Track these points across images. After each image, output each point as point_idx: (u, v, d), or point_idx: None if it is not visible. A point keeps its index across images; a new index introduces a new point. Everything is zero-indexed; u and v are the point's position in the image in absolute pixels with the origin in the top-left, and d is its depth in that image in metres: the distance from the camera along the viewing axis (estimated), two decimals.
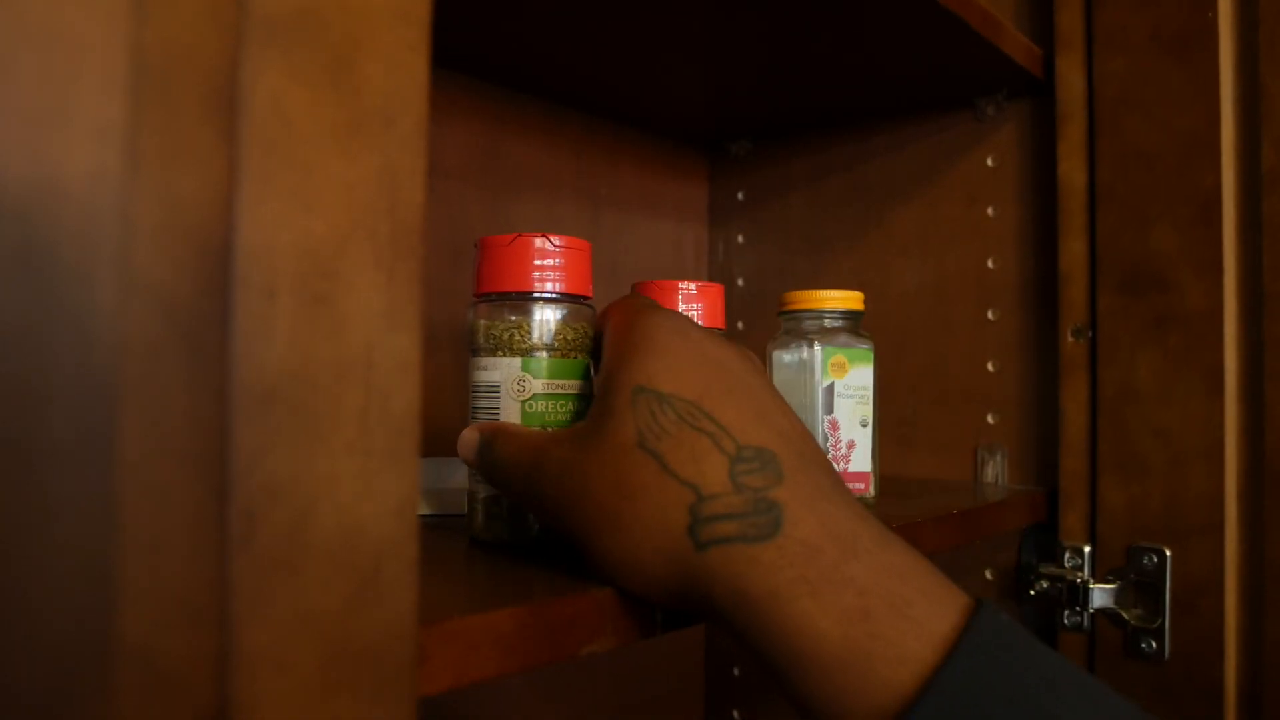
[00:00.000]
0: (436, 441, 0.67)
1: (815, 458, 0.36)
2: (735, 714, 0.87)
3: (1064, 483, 0.69)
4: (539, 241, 0.42)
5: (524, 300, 0.42)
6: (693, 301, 0.55)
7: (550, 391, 0.41)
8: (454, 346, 0.70)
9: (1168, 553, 0.64)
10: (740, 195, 0.90)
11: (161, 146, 0.20)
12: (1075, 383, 0.68)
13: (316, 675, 0.22)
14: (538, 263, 0.42)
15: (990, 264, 0.75)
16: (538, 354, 0.41)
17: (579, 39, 0.64)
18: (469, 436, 0.41)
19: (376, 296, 0.24)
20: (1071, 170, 0.69)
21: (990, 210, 0.75)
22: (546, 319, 0.41)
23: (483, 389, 0.42)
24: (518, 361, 0.41)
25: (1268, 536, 0.61)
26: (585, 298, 0.43)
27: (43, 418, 0.19)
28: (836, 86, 0.74)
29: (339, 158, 0.23)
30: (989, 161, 0.76)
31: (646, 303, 0.40)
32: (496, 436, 0.40)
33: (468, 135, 0.70)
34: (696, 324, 0.39)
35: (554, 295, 0.42)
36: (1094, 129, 0.68)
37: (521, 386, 0.41)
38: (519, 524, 0.42)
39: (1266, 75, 0.62)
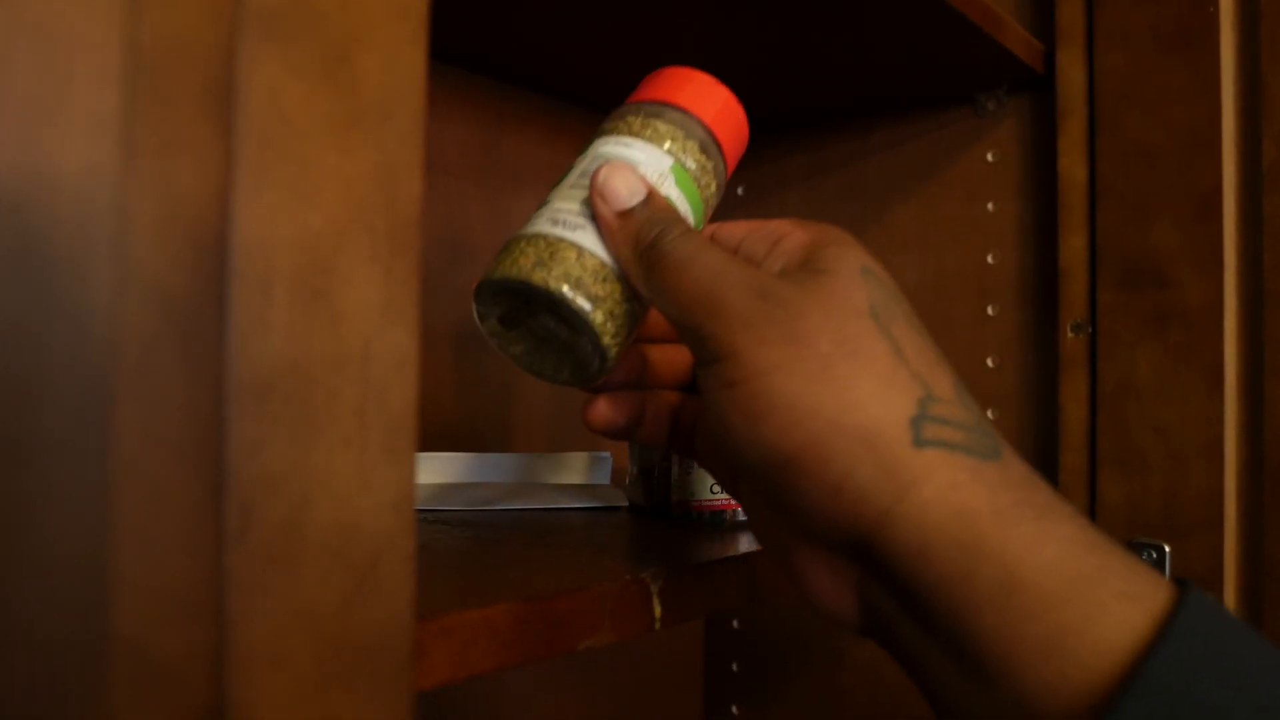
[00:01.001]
0: (436, 439, 0.67)
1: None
2: (734, 709, 0.87)
3: (1063, 479, 0.69)
4: (717, 86, 0.39)
5: (692, 121, 0.38)
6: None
7: (677, 205, 0.36)
8: (453, 344, 0.70)
9: (1167, 549, 0.64)
10: (739, 191, 0.90)
11: (157, 140, 0.20)
12: (1075, 379, 0.68)
13: (313, 670, 0.22)
14: (713, 99, 0.39)
15: (990, 260, 0.75)
16: (690, 164, 0.37)
17: (578, 35, 0.64)
18: (634, 183, 0.34)
19: (373, 291, 0.24)
20: (1072, 165, 0.69)
21: (990, 206, 0.75)
22: (705, 141, 0.38)
23: (613, 160, 0.36)
24: (669, 161, 0.37)
25: (1267, 532, 0.61)
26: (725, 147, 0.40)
27: (37, 411, 0.19)
28: (835, 82, 0.74)
29: (336, 152, 0.23)
30: (989, 157, 0.75)
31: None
32: (665, 258, 0.32)
33: (467, 132, 0.70)
34: None
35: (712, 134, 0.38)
36: (1094, 124, 0.68)
37: (661, 180, 0.36)
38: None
39: (1268, 71, 0.62)
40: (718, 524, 0.49)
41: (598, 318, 0.34)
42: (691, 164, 0.38)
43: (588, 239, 0.35)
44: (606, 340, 0.34)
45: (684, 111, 0.38)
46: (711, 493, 0.50)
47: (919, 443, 0.28)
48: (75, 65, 0.19)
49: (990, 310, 0.75)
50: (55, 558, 0.19)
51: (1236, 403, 0.63)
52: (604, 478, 0.62)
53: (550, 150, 0.76)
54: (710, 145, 0.39)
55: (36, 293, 0.19)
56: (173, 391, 0.20)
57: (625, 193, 0.34)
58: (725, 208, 0.90)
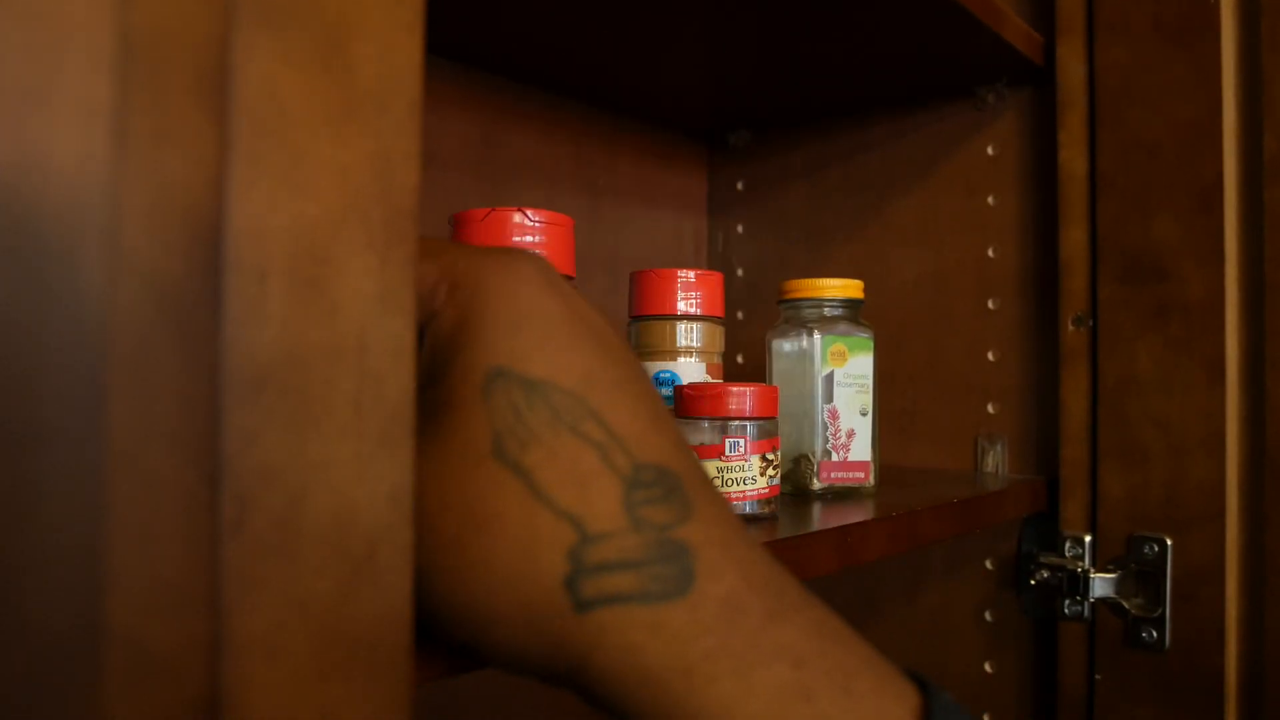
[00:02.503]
0: None
1: (709, 479, 0.28)
2: None
3: (1064, 472, 0.69)
4: (516, 216, 0.40)
5: None
6: (692, 290, 0.55)
7: None
8: None
9: (1168, 542, 0.63)
10: (740, 185, 0.89)
11: (150, 128, 0.20)
12: (1076, 372, 0.68)
13: (310, 662, 0.22)
14: (515, 239, 0.40)
15: (991, 253, 0.75)
16: None
17: (578, 29, 0.64)
18: None
19: (370, 280, 0.24)
20: (1072, 159, 0.69)
21: (991, 199, 0.75)
22: None
23: None
24: None
25: (1268, 526, 0.61)
26: (567, 277, 0.41)
27: (30, 402, 0.19)
28: (836, 76, 0.74)
29: (331, 140, 0.23)
30: (989, 150, 0.75)
31: (496, 248, 0.29)
32: None
33: (466, 125, 0.70)
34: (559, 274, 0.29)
35: None
36: (1095, 117, 0.67)
37: None
38: None
39: (1269, 64, 0.62)
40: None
41: None
42: None
43: None
44: None
45: None
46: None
47: (581, 607, 0.24)
48: (66, 51, 0.19)
49: (991, 304, 0.75)
50: (49, 549, 0.19)
51: (1237, 396, 0.63)
52: None
53: (550, 143, 0.76)
54: None
55: (27, 281, 0.19)
56: (167, 382, 0.20)
57: None
58: (725, 202, 0.90)
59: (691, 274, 0.55)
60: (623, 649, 0.24)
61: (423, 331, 0.28)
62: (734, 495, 0.47)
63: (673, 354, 0.55)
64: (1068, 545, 0.68)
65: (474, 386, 0.26)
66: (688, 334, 0.55)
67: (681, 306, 0.55)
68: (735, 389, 0.47)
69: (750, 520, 0.48)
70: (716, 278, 0.57)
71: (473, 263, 0.27)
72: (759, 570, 0.26)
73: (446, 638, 0.26)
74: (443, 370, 0.26)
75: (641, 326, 0.56)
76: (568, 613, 0.24)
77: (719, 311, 0.56)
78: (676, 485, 0.26)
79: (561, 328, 0.27)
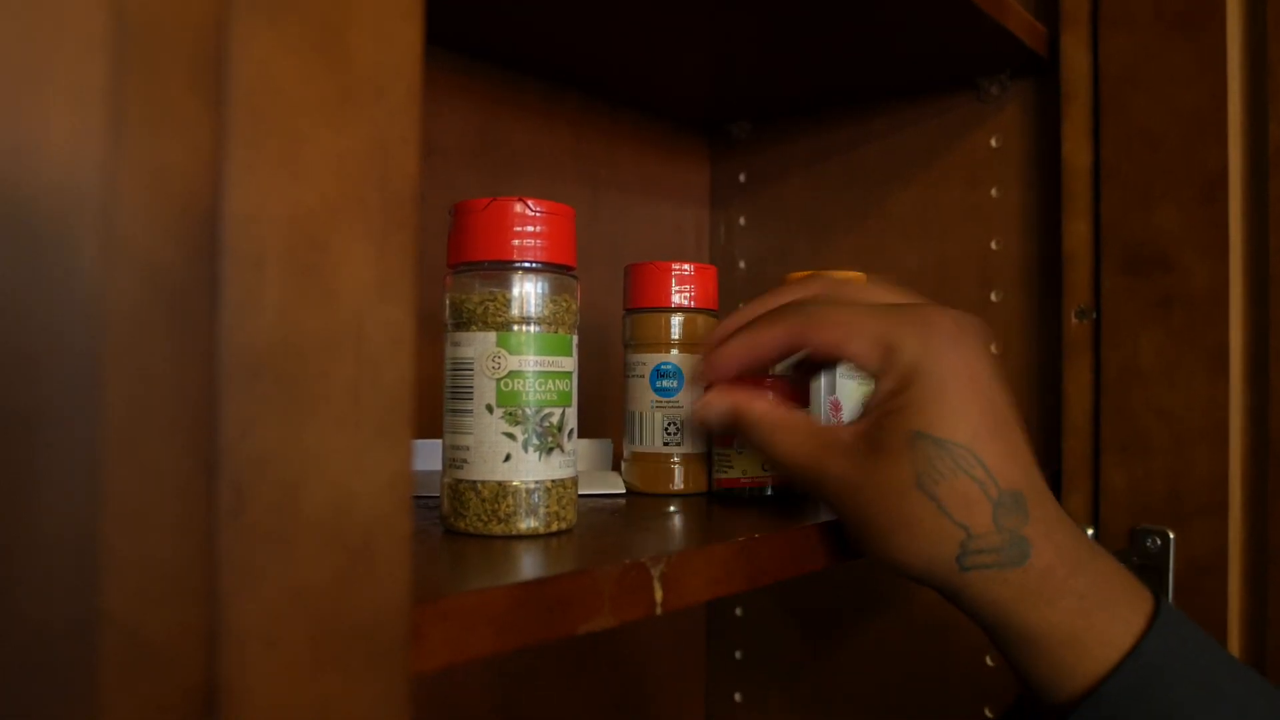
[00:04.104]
0: (436, 425, 0.66)
1: (1045, 486, 0.43)
2: (737, 696, 0.87)
3: (1067, 464, 0.68)
4: (517, 206, 0.39)
5: (501, 270, 0.40)
6: (687, 283, 0.55)
7: (530, 369, 0.39)
8: None
9: (1171, 534, 0.63)
10: (741, 177, 0.89)
11: (146, 112, 0.20)
12: (1078, 364, 0.68)
13: (307, 652, 0.22)
14: (516, 229, 0.39)
15: (993, 245, 0.75)
16: (516, 328, 0.39)
17: (578, 18, 0.63)
18: (719, 404, 0.46)
19: (367, 268, 0.23)
20: (1075, 150, 0.68)
21: (993, 191, 0.75)
22: (526, 291, 0.39)
23: (456, 366, 0.40)
24: (493, 336, 0.39)
25: (1271, 518, 0.61)
26: (568, 268, 0.41)
27: (25, 389, 0.19)
28: (838, 66, 0.73)
29: (329, 127, 0.23)
30: (992, 142, 0.75)
31: (928, 315, 0.43)
32: (759, 420, 0.45)
33: (465, 116, 0.70)
34: (978, 341, 0.43)
35: (534, 265, 0.40)
36: (1098, 108, 0.67)
37: (497, 363, 0.39)
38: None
39: (1274, 54, 0.61)
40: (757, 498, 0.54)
41: None
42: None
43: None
44: None
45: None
46: (763, 470, 0.54)
47: (963, 569, 0.41)
48: (62, 35, 0.19)
49: (993, 296, 0.75)
50: (45, 537, 0.19)
51: (1241, 387, 0.63)
52: (605, 463, 0.62)
53: (549, 134, 0.76)
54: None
55: (22, 267, 0.19)
56: (163, 369, 0.20)
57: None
58: (727, 194, 0.90)
59: (687, 267, 0.55)
60: (985, 590, 0.42)
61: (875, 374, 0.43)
62: None
63: (666, 346, 0.55)
64: None
65: (903, 440, 0.41)
66: (681, 327, 0.55)
67: (675, 300, 0.55)
68: None
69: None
70: (711, 271, 0.56)
71: (903, 332, 0.42)
72: (1066, 545, 0.42)
73: (872, 558, 0.44)
74: (883, 421, 0.42)
75: (635, 319, 0.56)
76: (955, 571, 0.41)
77: (713, 304, 0.56)
78: (1021, 501, 0.42)
79: (963, 400, 0.41)
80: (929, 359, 0.42)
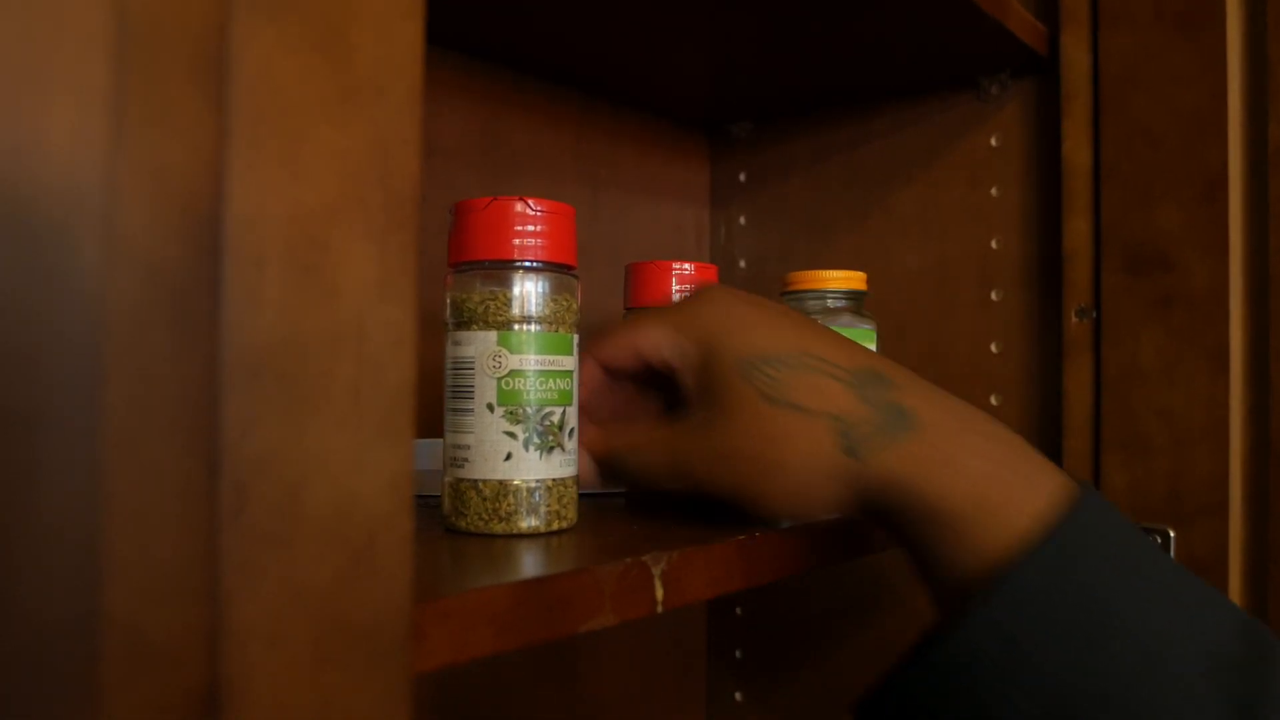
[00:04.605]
0: (436, 423, 0.66)
1: (902, 367, 0.43)
2: (737, 696, 0.87)
3: (1067, 464, 0.68)
4: (518, 205, 0.39)
5: (502, 269, 0.40)
6: (688, 282, 0.55)
7: (530, 368, 0.39)
8: None
9: (1171, 533, 0.63)
10: (742, 177, 0.89)
11: (147, 111, 0.20)
12: (1079, 363, 0.68)
13: (309, 651, 0.22)
14: (517, 228, 0.39)
15: (994, 244, 0.75)
16: (517, 327, 0.39)
17: (579, 18, 0.63)
18: (586, 467, 0.45)
19: (369, 267, 0.23)
20: (1076, 149, 0.68)
21: (994, 191, 0.75)
22: (527, 290, 0.40)
23: (457, 366, 0.40)
24: (494, 335, 0.39)
25: (1272, 517, 0.61)
26: (569, 267, 0.41)
27: (28, 388, 0.19)
28: (839, 66, 0.73)
29: (330, 126, 0.23)
30: (993, 141, 0.75)
31: (686, 298, 0.45)
32: (616, 455, 0.44)
33: (467, 116, 0.70)
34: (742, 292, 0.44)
35: (535, 264, 0.40)
36: (1099, 107, 0.67)
37: (498, 363, 0.39)
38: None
39: (1274, 53, 0.61)
40: None
41: None
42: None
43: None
44: None
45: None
46: None
47: (854, 455, 0.39)
48: (63, 34, 0.19)
49: (994, 295, 0.75)
50: (47, 536, 0.19)
51: (1241, 386, 0.63)
52: None
53: (551, 134, 0.76)
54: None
55: (23, 266, 0.19)
56: (165, 368, 0.20)
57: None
58: (727, 194, 0.90)
59: (688, 266, 0.55)
60: (885, 471, 0.39)
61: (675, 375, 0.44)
62: None
63: None
64: None
65: (736, 378, 0.41)
66: None
67: (676, 298, 0.55)
68: None
69: None
70: (711, 270, 0.57)
71: (686, 314, 0.43)
72: (951, 404, 0.41)
73: (780, 519, 0.42)
74: (709, 381, 0.42)
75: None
76: (854, 465, 0.39)
77: None
78: (880, 374, 0.41)
79: (764, 320, 0.42)
80: (717, 312, 0.43)
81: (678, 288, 0.55)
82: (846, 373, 0.40)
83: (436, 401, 0.40)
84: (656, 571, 0.35)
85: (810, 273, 0.61)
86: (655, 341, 0.43)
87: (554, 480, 0.40)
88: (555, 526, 0.40)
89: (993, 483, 0.38)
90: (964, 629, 0.36)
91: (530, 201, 0.40)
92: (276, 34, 0.22)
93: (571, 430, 0.41)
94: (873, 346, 0.61)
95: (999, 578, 0.36)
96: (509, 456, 0.39)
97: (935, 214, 0.78)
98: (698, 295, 0.45)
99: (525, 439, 0.39)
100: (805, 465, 0.40)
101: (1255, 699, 0.33)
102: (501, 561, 0.35)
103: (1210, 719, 0.33)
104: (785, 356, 0.41)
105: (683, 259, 0.74)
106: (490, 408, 0.39)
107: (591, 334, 0.45)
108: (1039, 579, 0.36)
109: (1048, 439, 0.71)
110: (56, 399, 0.19)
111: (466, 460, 0.39)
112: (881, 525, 0.41)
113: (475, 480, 0.39)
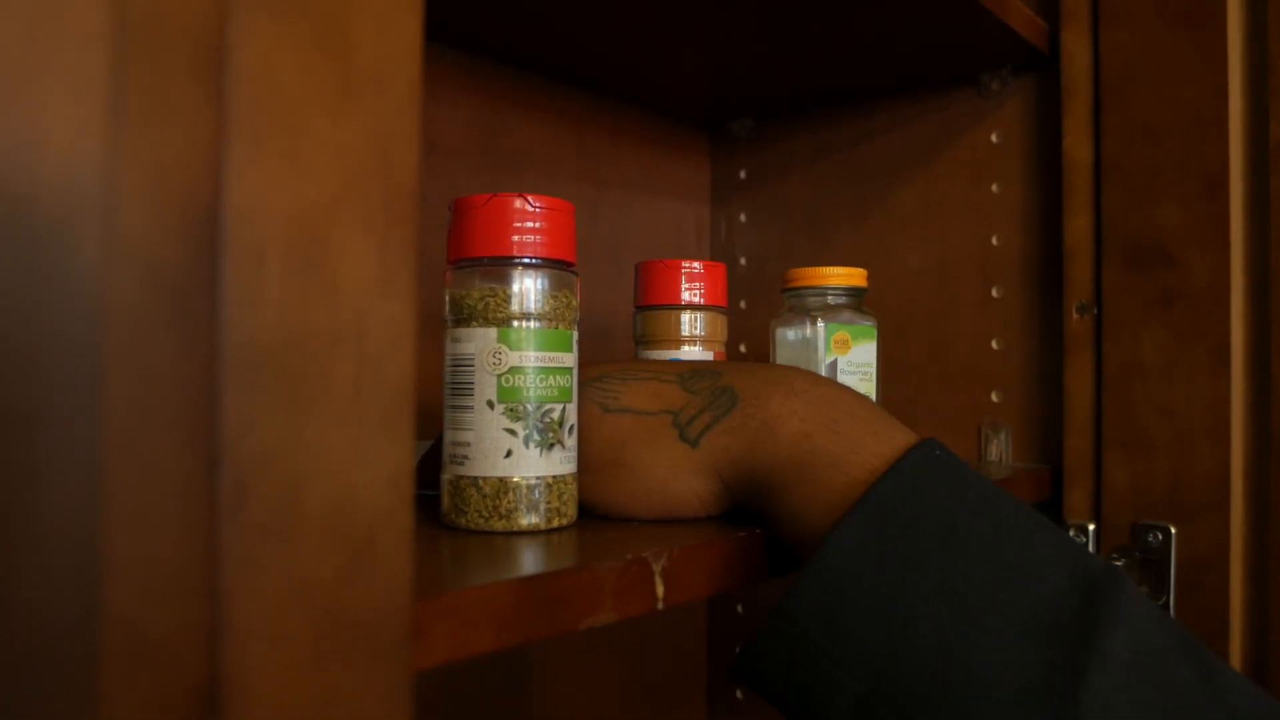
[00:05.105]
0: (436, 421, 0.66)
1: (730, 366, 0.44)
2: (738, 695, 0.87)
3: (1068, 461, 0.68)
4: (517, 202, 0.39)
5: (501, 266, 0.40)
6: (696, 281, 0.55)
7: (530, 365, 0.39)
8: None
9: (1173, 530, 0.63)
10: (742, 174, 0.89)
11: (146, 105, 0.20)
12: (1080, 360, 0.68)
13: (309, 647, 0.22)
14: (516, 225, 0.39)
15: (994, 241, 0.75)
16: (516, 324, 0.39)
17: (580, 16, 0.63)
18: None
19: (369, 262, 0.23)
20: (1077, 145, 0.68)
21: (995, 187, 0.75)
22: (526, 287, 0.39)
23: (456, 363, 0.40)
24: (493, 332, 0.39)
25: (1273, 514, 0.61)
26: (568, 264, 0.41)
27: (27, 385, 0.19)
28: (839, 63, 0.73)
29: (329, 120, 0.23)
30: (993, 138, 0.75)
31: None
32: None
33: (468, 114, 0.70)
34: None
35: (534, 261, 0.40)
36: (1100, 103, 0.67)
37: (497, 359, 0.39)
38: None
39: (1275, 49, 0.61)
40: None
41: None
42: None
43: None
44: None
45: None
46: None
47: (695, 444, 0.41)
48: (62, 27, 0.18)
49: (994, 292, 0.74)
50: (47, 533, 0.19)
51: (1243, 383, 0.63)
52: None
53: (552, 132, 0.76)
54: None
55: (23, 262, 0.18)
56: (165, 364, 0.20)
57: None
58: (728, 191, 0.90)
59: (697, 265, 0.56)
60: (721, 450, 0.41)
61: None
62: None
63: (677, 342, 0.56)
64: (1072, 534, 0.68)
65: (580, 397, 0.42)
66: (692, 323, 0.56)
67: (685, 296, 0.55)
68: None
69: None
70: (720, 269, 0.57)
71: None
72: (774, 375, 0.42)
73: (666, 518, 0.42)
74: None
75: (646, 316, 0.56)
76: (693, 451, 0.41)
77: (722, 301, 0.57)
78: (706, 371, 0.43)
79: (602, 360, 0.46)
80: None
81: (687, 286, 0.55)
82: (673, 375, 0.43)
83: (434, 403, 0.40)
84: (657, 568, 0.35)
85: (811, 269, 0.61)
86: None
87: (554, 477, 0.40)
88: (555, 523, 0.40)
89: (810, 445, 0.38)
90: (785, 608, 0.36)
91: (529, 198, 0.40)
92: (276, 29, 0.22)
93: (571, 427, 0.41)
94: (873, 343, 0.61)
95: (816, 551, 0.36)
96: (509, 453, 0.39)
97: (936, 211, 0.78)
98: None
99: (525, 436, 0.39)
100: (650, 461, 0.41)
101: (1077, 653, 0.32)
102: (502, 559, 0.35)
103: (1030, 677, 0.32)
104: (615, 373, 0.44)
105: (683, 257, 0.74)
106: (490, 405, 0.39)
107: None
108: (852, 550, 0.35)
109: (1049, 436, 0.71)
110: (56, 397, 0.19)
111: (466, 457, 0.39)
112: (750, 508, 0.41)
113: (475, 477, 0.39)
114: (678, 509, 0.42)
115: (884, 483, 0.36)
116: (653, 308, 0.56)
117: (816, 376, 0.42)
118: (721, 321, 0.57)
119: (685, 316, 0.56)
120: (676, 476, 0.41)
